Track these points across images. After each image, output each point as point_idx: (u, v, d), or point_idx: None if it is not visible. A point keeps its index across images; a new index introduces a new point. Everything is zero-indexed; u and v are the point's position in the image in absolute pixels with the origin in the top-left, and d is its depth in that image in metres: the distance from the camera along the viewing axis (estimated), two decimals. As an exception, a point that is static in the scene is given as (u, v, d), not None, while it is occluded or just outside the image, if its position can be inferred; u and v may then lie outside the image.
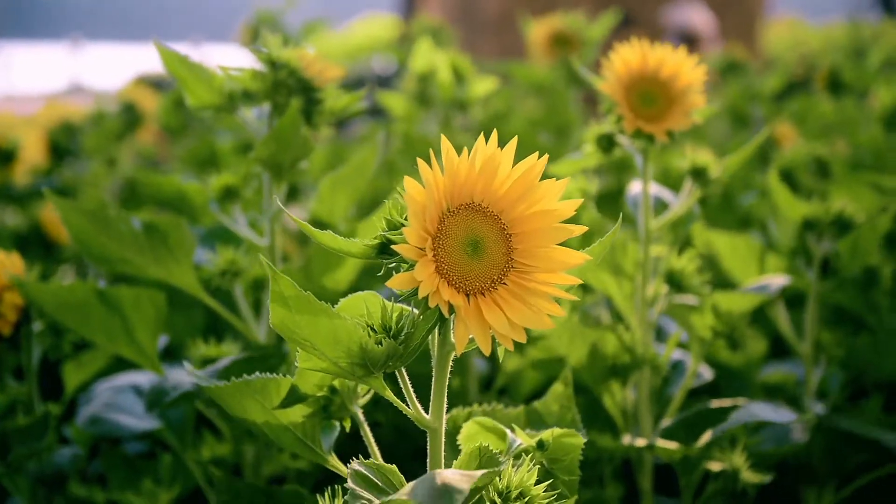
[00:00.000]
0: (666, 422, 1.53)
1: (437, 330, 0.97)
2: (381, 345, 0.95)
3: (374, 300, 0.99)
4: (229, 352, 1.57)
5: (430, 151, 0.90)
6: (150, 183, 1.97)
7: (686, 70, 1.42)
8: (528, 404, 1.17)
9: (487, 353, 0.90)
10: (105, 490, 1.63)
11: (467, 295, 0.91)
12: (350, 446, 1.14)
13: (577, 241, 1.51)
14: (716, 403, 1.51)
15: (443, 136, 0.91)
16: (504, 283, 0.93)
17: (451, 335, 0.96)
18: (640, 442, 1.47)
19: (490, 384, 1.92)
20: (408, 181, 0.88)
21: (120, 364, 1.71)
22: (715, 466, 1.45)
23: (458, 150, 0.91)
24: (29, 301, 1.49)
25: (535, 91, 3.69)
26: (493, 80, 2.61)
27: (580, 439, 1.06)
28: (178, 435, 1.57)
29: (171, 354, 1.92)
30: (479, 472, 0.93)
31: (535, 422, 1.16)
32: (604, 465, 1.64)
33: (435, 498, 0.88)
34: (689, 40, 4.37)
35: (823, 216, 1.72)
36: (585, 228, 0.95)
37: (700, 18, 4.49)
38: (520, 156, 0.94)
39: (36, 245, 2.73)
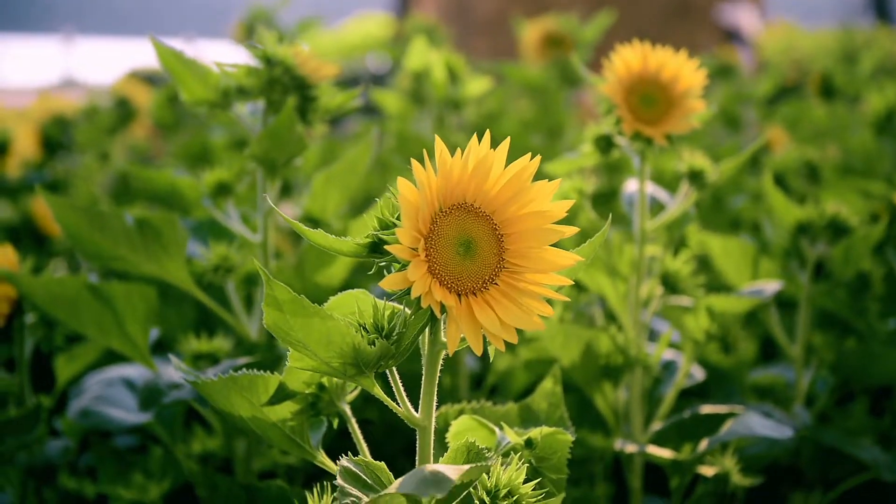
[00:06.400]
0: (657, 424, 1.54)
1: (427, 329, 0.97)
2: (374, 345, 0.95)
3: (365, 298, 0.99)
4: (220, 347, 1.57)
5: (424, 151, 0.90)
6: (142, 177, 1.96)
7: (686, 73, 1.42)
8: (518, 402, 1.17)
9: (479, 353, 0.91)
10: (95, 483, 1.62)
11: (459, 295, 0.92)
12: (340, 443, 1.14)
13: (571, 242, 1.52)
14: (709, 409, 1.51)
15: (437, 137, 0.91)
16: (495, 284, 0.93)
17: (442, 334, 0.97)
18: (631, 448, 1.47)
19: (481, 383, 1.93)
20: (401, 181, 0.88)
21: (112, 356, 1.71)
22: (707, 471, 1.45)
23: (452, 150, 0.91)
24: (21, 294, 1.49)
25: (528, 92, 3.69)
26: (487, 80, 2.60)
27: (568, 437, 1.06)
28: (168, 429, 1.57)
29: (163, 348, 1.92)
30: (468, 466, 0.93)
31: (524, 419, 1.16)
32: (595, 464, 1.64)
33: (424, 486, 0.88)
34: (734, 40, 4.36)
35: (818, 220, 1.72)
36: (577, 230, 0.95)
37: (747, 20, 4.47)
38: (512, 157, 0.94)
39: (28, 238, 2.72)
